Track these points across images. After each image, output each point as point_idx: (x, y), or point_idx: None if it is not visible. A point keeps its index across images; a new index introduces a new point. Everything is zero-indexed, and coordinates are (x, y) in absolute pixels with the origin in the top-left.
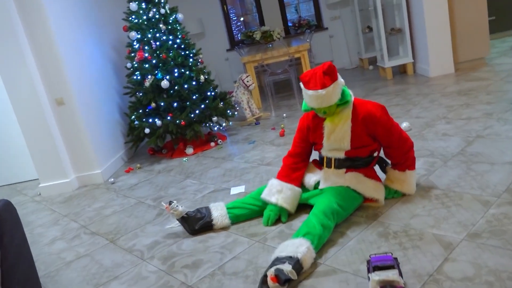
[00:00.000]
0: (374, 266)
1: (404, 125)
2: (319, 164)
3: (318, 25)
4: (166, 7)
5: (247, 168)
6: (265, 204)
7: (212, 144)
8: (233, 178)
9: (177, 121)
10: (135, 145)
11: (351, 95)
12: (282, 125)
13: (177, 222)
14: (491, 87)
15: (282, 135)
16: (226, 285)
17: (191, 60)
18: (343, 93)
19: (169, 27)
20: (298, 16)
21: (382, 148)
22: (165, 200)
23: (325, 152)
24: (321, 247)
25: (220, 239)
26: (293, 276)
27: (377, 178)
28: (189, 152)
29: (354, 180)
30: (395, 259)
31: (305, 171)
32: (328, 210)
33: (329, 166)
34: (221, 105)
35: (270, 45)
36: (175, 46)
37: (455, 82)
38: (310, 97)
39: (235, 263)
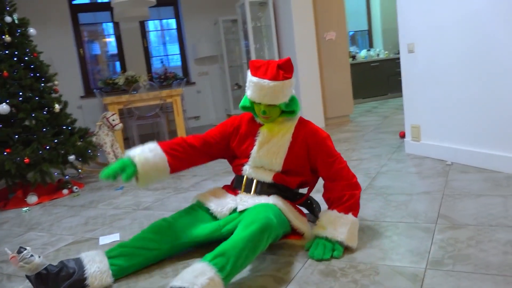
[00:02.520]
0: None
1: None
2: (232, 189)
3: (186, 79)
4: (14, 16)
5: (118, 214)
6: (164, 244)
7: (65, 191)
8: (101, 226)
9: (18, 158)
10: None
11: (299, 108)
12: None
13: (28, 283)
14: (367, 136)
15: None
16: None
17: (42, 84)
18: (292, 101)
19: (16, 40)
20: (164, 68)
21: (323, 185)
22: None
23: (248, 170)
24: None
25: None
26: None
27: (303, 213)
28: (31, 201)
29: (281, 201)
30: None
31: (213, 197)
32: (266, 223)
33: (248, 190)
34: (81, 143)
35: (135, 92)
36: (22, 64)
37: (329, 133)
38: (255, 86)
39: None
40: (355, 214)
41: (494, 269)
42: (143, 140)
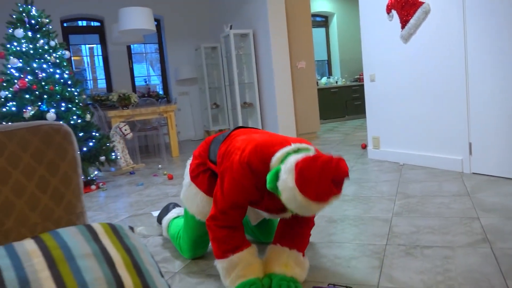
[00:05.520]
0: None
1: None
2: None
3: (166, 98)
4: (56, 40)
5: (154, 199)
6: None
7: (93, 187)
8: (145, 207)
9: None
10: None
11: None
12: (165, 172)
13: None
14: (335, 148)
15: (171, 178)
16: None
17: (77, 97)
18: None
19: (57, 61)
20: (147, 87)
21: (290, 227)
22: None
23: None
24: None
25: None
26: None
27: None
28: None
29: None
30: None
31: None
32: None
33: None
34: (106, 147)
35: (126, 108)
36: (62, 80)
37: None
38: (297, 202)
39: None
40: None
41: (432, 215)
42: (141, 150)
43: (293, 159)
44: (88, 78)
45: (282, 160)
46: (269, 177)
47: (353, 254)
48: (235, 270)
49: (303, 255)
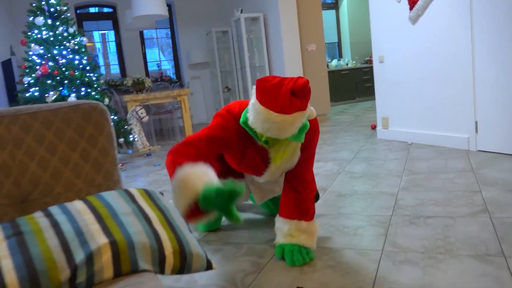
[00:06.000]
0: None
1: None
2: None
3: (179, 82)
4: (74, 27)
5: None
6: None
7: None
8: (164, 185)
9: None
10: None
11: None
12: None
13: None
14: (345, 129)
15: None
16: None
17: (95, 82)
18: (301, 131)
19: (76, 47)
20: (160, 72)
21: (292, 194)
22: None
23: (253, 181)
24: None
25: None
26: None
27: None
28: None
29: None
30: None
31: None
32: None
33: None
34: (126, 129)
35: (141, 92)
36: (81, 66)
37: None
38: (258, 115)
39: None
40: (313, 217)
41: (437, 189)
42: (156, 133)
43: None
44: (100, 64)
45: None
46: (242, 114)
47: (360, 224)
48: (188, 184)
49: (309, 220)
